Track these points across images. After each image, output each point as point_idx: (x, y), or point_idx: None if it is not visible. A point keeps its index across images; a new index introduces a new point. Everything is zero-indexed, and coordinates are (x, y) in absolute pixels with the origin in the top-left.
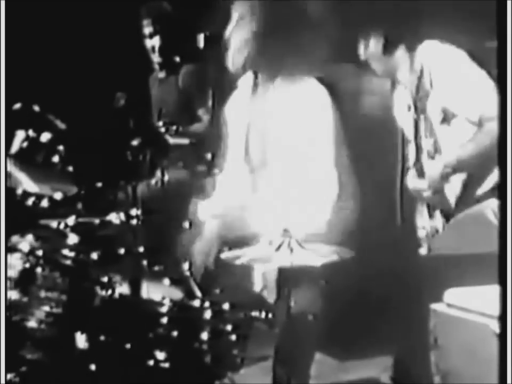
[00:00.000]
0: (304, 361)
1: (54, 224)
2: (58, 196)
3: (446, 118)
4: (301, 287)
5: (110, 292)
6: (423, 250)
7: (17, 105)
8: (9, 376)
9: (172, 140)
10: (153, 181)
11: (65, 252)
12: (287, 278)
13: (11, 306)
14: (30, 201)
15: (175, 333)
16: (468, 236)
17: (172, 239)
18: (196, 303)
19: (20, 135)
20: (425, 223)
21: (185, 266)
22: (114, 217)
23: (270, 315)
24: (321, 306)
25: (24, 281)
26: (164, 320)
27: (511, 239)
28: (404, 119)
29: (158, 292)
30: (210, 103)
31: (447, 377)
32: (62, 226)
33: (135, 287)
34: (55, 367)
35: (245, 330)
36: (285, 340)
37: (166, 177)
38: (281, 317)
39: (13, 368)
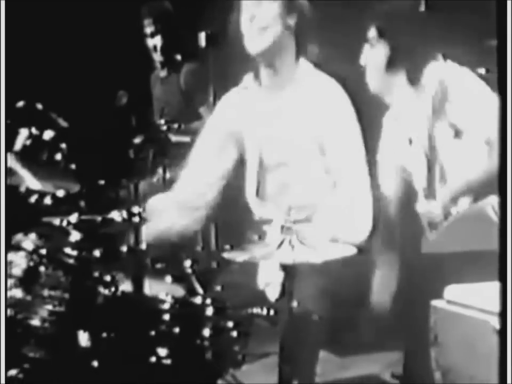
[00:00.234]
0: (309, 359)
1: (56, 221)
2: (61, 193)
3: (457, 135)
4: (303, 285)
5: (112, 289)
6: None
7: (21, 103)
8: (12, 373)
9: (173, 138)
10: (155, 179)
11: (68, 250)
12: (289, 275)
13: (15, 305)
14: (33, 199)
15: (177, 330)
16: (468, 233)
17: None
18: (198, 300)
19: (23, 133)
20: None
21: (187, 263)
22: (117, 215)
23: (271, 312)
24: (322, 303)
25: (28, 279)
26: (166, 317)
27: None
28: (401, 152)
29: (160, 289)
30: (211, 101)
31: (447, 373)
32: (64, 223)
33: (138, 285)
34: (58, 364)
35: (247, 327)
36: (289, 338)
37: (168, 175)
38: (284, 314)
39: (17, 365)
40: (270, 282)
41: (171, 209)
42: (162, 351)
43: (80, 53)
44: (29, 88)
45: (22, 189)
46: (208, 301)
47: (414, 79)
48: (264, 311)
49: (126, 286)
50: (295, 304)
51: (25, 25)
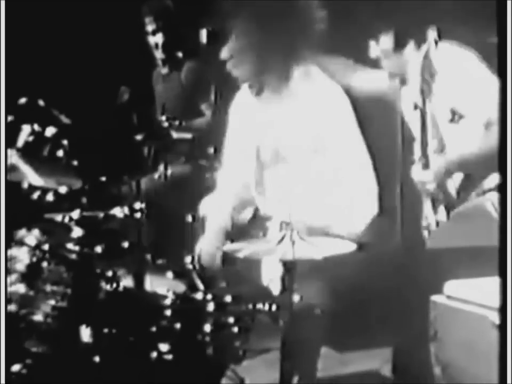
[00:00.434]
0: (311, 354)
1: (58, 217)
2: (63, 189)
3: (454, 119)
4: (304, 280)
5: (114, 285)
6: (428, 244)
7: (23, 100)
8: (16, 368)
9: (175, 135)
10: (156, 175)
11: (70, 245)
12: (290, 271)
13: (18, 300)
14: (35, 195)
15: (178, 325)
16: (468, 228)
17: (175, 232)
18: (199, 295)
19: (26, 129)
20: (429, 217)
21: (188, 259)
22: (118, 211)
23: (273, 308)
24: (323, 299)
25: (31, 275)
26: (167, 312)
27: (511, 231)
28: (410, 116)
29: (162, 285)
30: (212, 98)
31: (446, 368)
32: (66, 219)
33: (139, 280)
34: (61, 359)
35: (247, 323)
36: (291, 333)
37: (169, 171)
38: (286, 310)
39: (20, 360)
40: (272, 277)
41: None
42: (163, 347)
43: (82, 50)
44: (31, 85)
45: (25, 185)
46: (209, 296)
47: (401, 43)
48: (266, 307)
49: (127, 282)
50: (296, 299)
51: (28, 23)
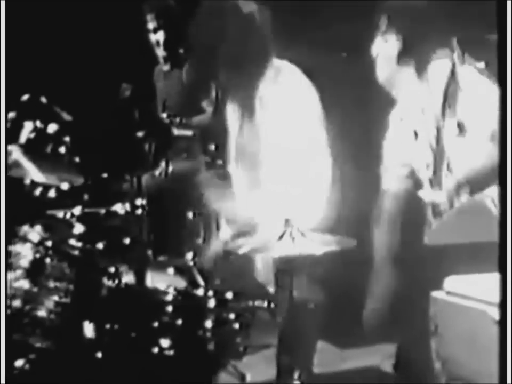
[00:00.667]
0: (307, 349)
1: (60, 214)
2: (65, 186)
3: (461, 132)
4: (302, 276)
5: (116, 281)
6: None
7: (25, 97)
8: (19, 363)
9: (176, 132)
10: (157, 172)
11: (72, 242)
12: (289, 267)
13: (22, 296)
14: (38, 192)
15: (179, 321)
16: (468, 225)
17: (176, 229)
18: (200, 292)
19: (28, 126)
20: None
21: (189, 256)
22: (120, 208)
23: (272, 304)
24: (323, 294)
25: (34, 271)
26: (169, 308)
27: (511, 227)
28: (408, 145)
29: (163, 281)
30: (213, 95)
31: (447, 363)
32: (68, 216)
33: (140, 277)
34: (63, 355)
35: (248, 319)
36: (288, 328)
37: (170, 168)
38: (284, 306)
39: (23, 355)
40: (264, 274)
41: None
42: (165, 342)
43: (83, 47)
44: (33, 83)
45: (27, 181)
46: (210, 293)
47: (421, 70)
48: (265, 303)
49: (129, 278)
50: (294, 294)
51: (30, 20)
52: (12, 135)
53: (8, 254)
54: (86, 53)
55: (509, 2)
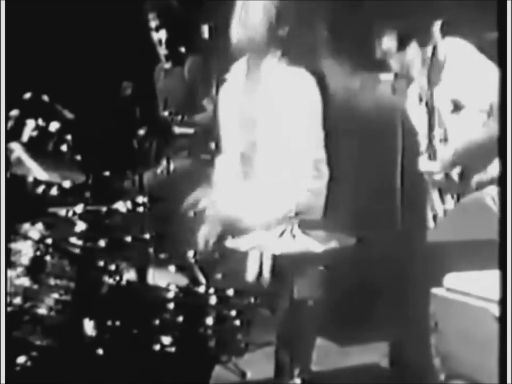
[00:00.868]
0: (305, 346)
1: (62, 212)
2: (67, 184)
3: (456, 109)
4: (302, 273)
5: (117, 278)
6: (428, 237)
7: (28, 95)
8: (20, 360)
9: (177, 130)
10: (159, 170)
11: (74, 239)
12: (289, 264)
13: (23, 293)
14: (39, 189)
15: (180, 318)
16: (468, 222)
17: (177, 226)
18: (201, 289)
19: (30, 124)
20: (437, 207)
21: (190, 253)
22: (121, 205)
23: (273, 302)
24: (322, 292)
25: (35, 268)
26: (170, 306)
27: (511, 225)
28: (415, 110)
29: (164, 278)
30: (214, 93)
31: (446, 360)
32: (70, 214)
33: (142, 274)
34: (64, 352)
35: (249, 316)
36: (286, 325)
37: (172, 166)
38: (283, 303)
39: (24, 353)
40: (260, 271)
41: None
42: (166, 340)
43: (85, 46)
44: (35, 81)
45: (29, 179)
46: (211, 290)
47: (424, 42)
48: (266, 301)
49: (130, 275)
50: (294, 292)
51: (32, 19)
52: (14, 133)
53: (8, 252)
54: (88, 51)
55: (509, 2)
